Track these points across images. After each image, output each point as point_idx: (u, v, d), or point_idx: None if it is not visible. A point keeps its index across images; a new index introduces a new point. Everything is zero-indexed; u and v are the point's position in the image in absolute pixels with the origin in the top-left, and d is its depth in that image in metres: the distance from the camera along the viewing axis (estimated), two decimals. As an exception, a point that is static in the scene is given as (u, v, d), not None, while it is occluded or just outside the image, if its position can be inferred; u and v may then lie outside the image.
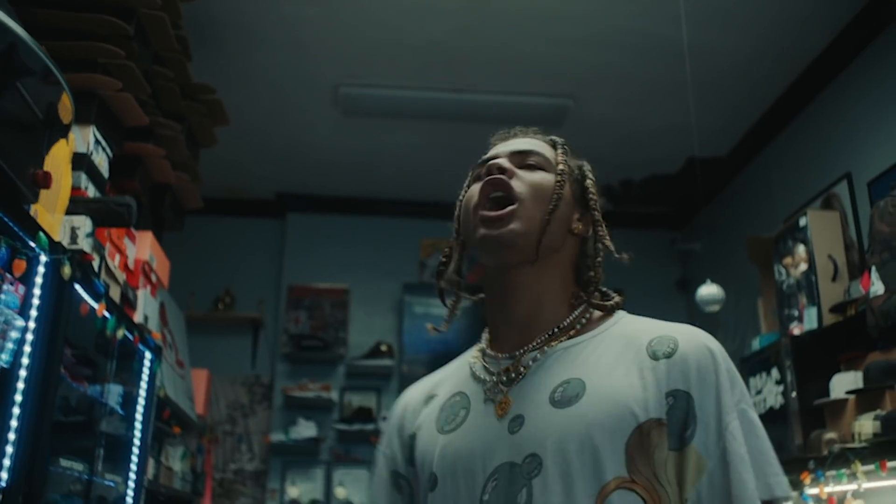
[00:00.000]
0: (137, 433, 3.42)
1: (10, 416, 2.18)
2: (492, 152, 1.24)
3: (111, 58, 2.63)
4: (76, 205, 2.46)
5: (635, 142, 4.90)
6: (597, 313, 1.17)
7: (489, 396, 1.11)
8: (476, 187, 1.19)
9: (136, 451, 3.40)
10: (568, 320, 1.13)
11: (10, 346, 2.22)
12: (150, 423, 3.51)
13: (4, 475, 2.14)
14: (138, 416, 3.44)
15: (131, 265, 3.18)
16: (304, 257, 5.69)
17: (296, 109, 4.70)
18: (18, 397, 2.21)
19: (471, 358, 1.22)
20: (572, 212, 1.17)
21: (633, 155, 5.07)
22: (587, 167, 1.24)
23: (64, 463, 2.58)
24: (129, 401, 3.42)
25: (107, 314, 2.81)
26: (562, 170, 1.17)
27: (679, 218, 5.87)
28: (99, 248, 2.70)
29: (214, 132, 3.76)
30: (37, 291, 2.30)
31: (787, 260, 3.60)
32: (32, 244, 2.18)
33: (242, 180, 5.59)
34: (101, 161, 2.76)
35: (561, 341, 1.11)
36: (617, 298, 1.18)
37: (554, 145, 1.23)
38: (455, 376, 1.24)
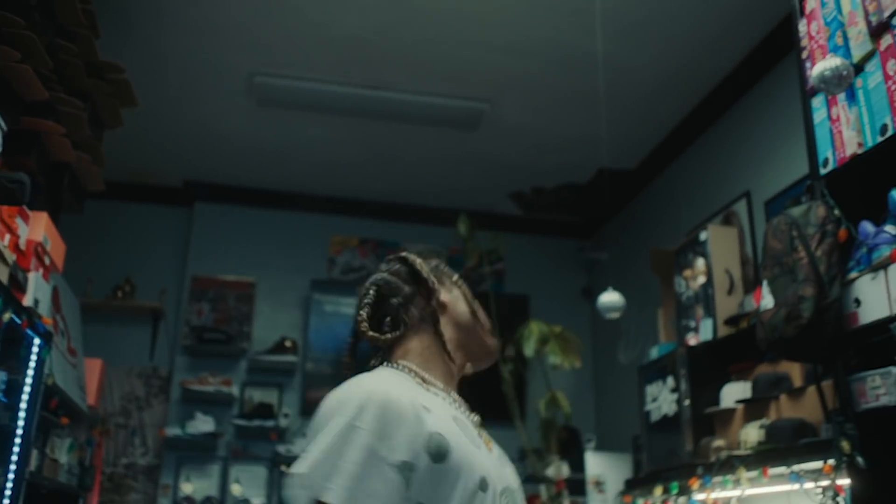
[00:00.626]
0: (21, 422, 3.27)
1: None
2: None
3: (9, 26, 2.50)
4: (-38, 178, 2.34)
5: (549, 149, 4.97)
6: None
7: (477, 433, 1.43)
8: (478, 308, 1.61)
9: (17, 441, 3.25)
10: None
11: None
12: (36, 413, 3.34)
13: None
14: (22, 405, 3.29)
15: (23, 246, 3.03)
16: (211, 248, 5.56)
17: (208, 96, 4.59)
18: None
19: (432, 388, 1.45)
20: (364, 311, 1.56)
21: (546, 162, 5.16)
22: (416, 264, 1.65)
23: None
24: (13, 388, 3.26)
25: (-10, 295, 2.67)
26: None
27: (587, 227, 5.99)
28: (-15, 226, 2.57)
29: (121, 113, 3.62)
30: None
31: (687, 272, 3.72)
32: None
33: (149, 165, 5.42)
34: (-6, 135, 2.62)
35: None
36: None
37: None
38: (432, 399, 1.39)
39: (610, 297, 3.81)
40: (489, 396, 4.75)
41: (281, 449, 5.03)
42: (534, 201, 5.66)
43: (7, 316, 2.81)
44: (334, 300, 5.57)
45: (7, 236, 2.78)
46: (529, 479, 4.69)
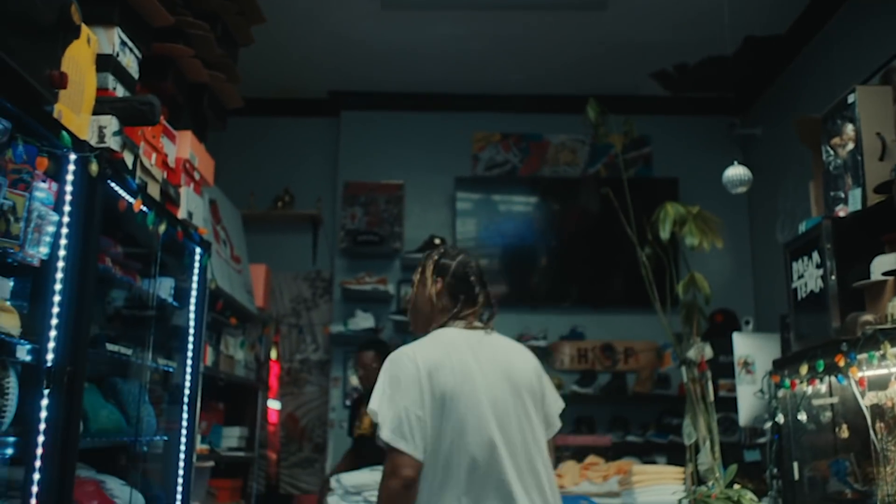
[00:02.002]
0: (191, 322, 3.65)
1: (52, 303, 2.37)
2: None
3: (129, -43, 2.68)
4: (102, 105, 2.57)
5: (687, 22, 4.69)
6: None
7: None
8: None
9: (190, 338, 3.64)
10: None
11: (46, 239, 2.39)
12: (204, 313, 3.72)
13: (50, 356, 2.34)
14: (191, 307, 3.66)
15: (171, 163, 3.31)
16: (359, 154, 5.77)
17: (336, 4, 4.68)
18: (58, 286, 2.39)
19: None
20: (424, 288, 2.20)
21: (687, 36, 4.87)
22: (429, 261, 2.26)
23: (113, 347, 2.78)
24: (181, 293, 3.63)
25: (145, 209, 2.96)
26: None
27: (738, 102, 5.64)
28: (132, 146, 2.82)
29: (251, 31, 3.80)
30: (68, 188, 2.45)
31: (835, 140, 3.45)
32: (56, 142, 2.31)
33: (295, 80, 5.65)
34: (129, 62, 2.84)
35: None
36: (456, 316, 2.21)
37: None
38: None
39: (735, 172, 3.61)
40: (637, 282, 4.71)
41: (437, 341, 5.27)
42: (678, 79, 5.39)
43: (162, 227, 3.12)
44: (480, 196, 5.65)
45: (154, 155, 3.05)
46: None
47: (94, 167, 2.43)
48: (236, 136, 5.93)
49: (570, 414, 5.25)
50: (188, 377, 3.56)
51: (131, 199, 2.81)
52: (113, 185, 2.70)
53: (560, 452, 4.93)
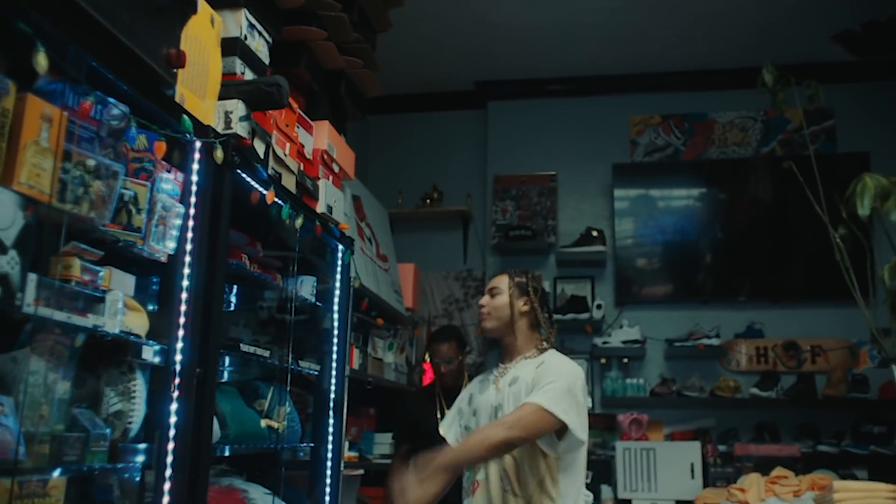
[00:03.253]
0: (335, 322, 3.47)
1: (179, 301, 2.22)
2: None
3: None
4: (228, 89, 2.42)
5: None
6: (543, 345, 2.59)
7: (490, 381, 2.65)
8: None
9: (335, 340, 3.46)
10: (528, 352, 2.58)
11: (173, 233, 2.24)
12: (348, 313, 3.54)
13: (178, 357, 2.19)
14: (335, 307, 3.48)
15: (308, 154, 3.15)
16: (509, 146, 5.48)
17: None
18: (185, 282, 2.24)
19: None
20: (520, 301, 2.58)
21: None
22: (526, 276, 2.65)
23: (248, 349, 2.63)
24: (323, 292, 3.47)
25: (279, 202, 2.79)
26: (510, 291, 2.60)
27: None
28: (263, 134, 2.66)
29: (388, 15, 3.60)
30: (194, 178, 2.30)
31: None
32: (178, 127, 2.16)
33: (439, 71, 5.44)
34: (259, 46, 2.69)
35: (521, 360, 2.57)
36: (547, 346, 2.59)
37: (509, 275, 2.66)
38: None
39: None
40: (823, 272, 4.14)
41: (597, 341, 4.89)
42: (866, 40, 4.73)
43: (300, 221, 2.94)
44: (640, 183, 5.21)
45: (288, 145, 2.88)
46: (886, 363, 4.03)
47: (219, 154, 2.27)
48: (382, 135, 5.83)
49: (749, 420, 4.73)
50: (333, 381, 3.38)
51: (263, 191, 2.65)
52: (243, 175, 2.55)
53: (741, 462, 4.43)
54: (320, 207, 3.17)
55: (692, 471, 4.39)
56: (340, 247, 3.47)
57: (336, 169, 3.39)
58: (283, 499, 2.98)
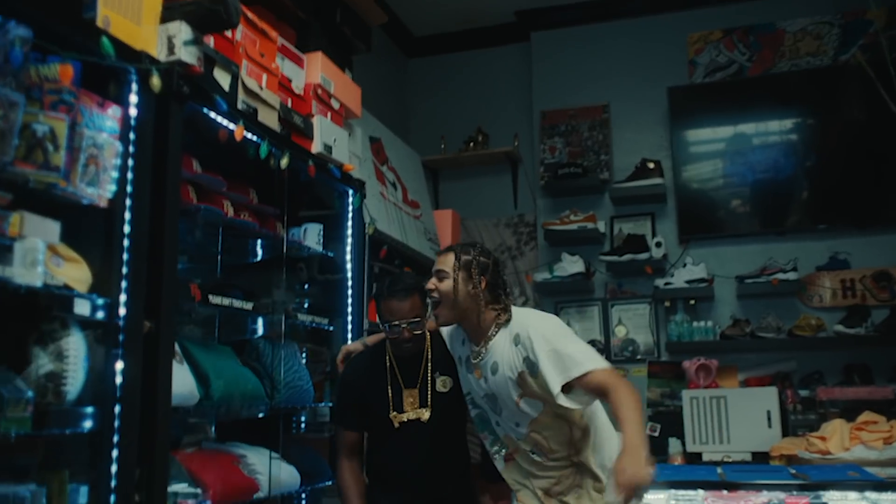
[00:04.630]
0: (348, 273, 3.21)
1: (121, 249, 1.99)
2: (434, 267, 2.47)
3: None
4: (171, 12, 2.15)
5: None
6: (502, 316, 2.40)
7: (473, 360, 2.45)
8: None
9: (349, 291, 3.20)
10: (490, 331, 2.39)
11: (112, 175, 2.01)
12: (363, 262, 3.27)
13: (122, 311, 1.97)
14: (347, 256, 3.22)
15: (298, 90, 2.87)
16: (555, 78, 5.06)
17: None
18: (126, 228, 2.00)
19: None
20: (468, 284, 2.37)
21: None
22: (471, 254, 2.41)
23: (218, 300, 2.38)
24: (333, 239, 3.20)
25: (254, 138, 2.53)
26: (456, 273, 2.38)
27: None
28: (227, 64, 2.40)
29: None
30: (132, 112, 2.05)
31: None
32: (98, 53, 1.91)
33: (478, 6, 5.05)
34: (216, -34, 2.40)
35: (489, 340, 2.39)
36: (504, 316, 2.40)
37: (455, 253, 2.41)
38: (454, 343, 2.60)
39: None
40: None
41: (659, 283, 4.47)
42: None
43: (285, 161, 2.68)
44: (701, 107, 4.71)
45: (264, 77, 2.61)
46: None
47: (155, 82, 2.01)
48: (422, 80, 5.50)
49: (835, 361, 4.23)
50: (350, 336, 3.13)
51: (231, 126, 2.39)
52: (203, 110, 2.29)
53: (825, 409, 3.96)
54: (315, 147, 2.90)
55: (769, 419, 3.94)
56: (351, 191, 3.20)
57: (336, 105, 3.10)
58: (293, 462, 2.76)
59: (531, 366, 2.26)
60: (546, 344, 2.24)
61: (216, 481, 2.34)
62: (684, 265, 4.47)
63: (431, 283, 2.38)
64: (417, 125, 5.32)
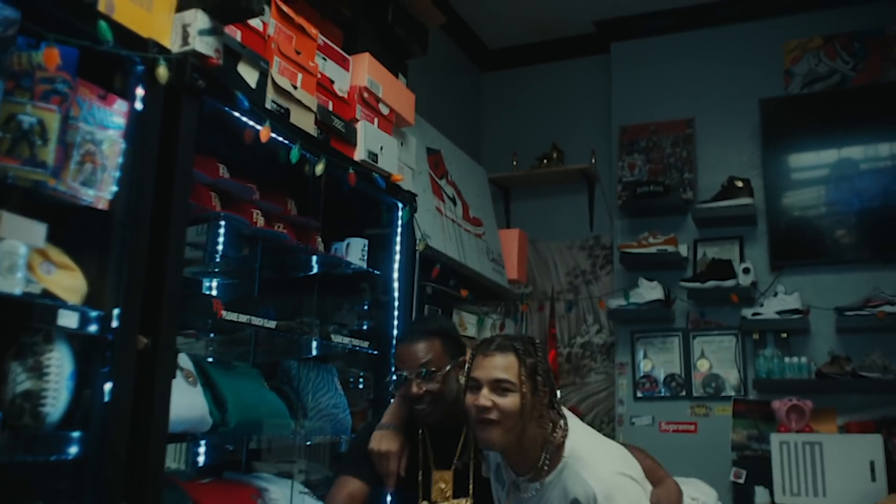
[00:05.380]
0: (395, 292, 2.96)
1: (119, 256, 1.80)
2: (477, 373, 1.84)
3: None
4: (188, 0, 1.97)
5: None
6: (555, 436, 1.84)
7: (511, 494, 1.92)
8: (471, 402, 1.83)
9: (395, 312, 2.95)
10: (540, 462, 1.82)
11: (112, 174, 1.82)
12: (412, 282, 3.02)
13: (115, 325, 1.77)
14: (394, 274, 2.97)
15: (341, 92, 2.66)
16: (636, 91, 4.73)
17: None
18: (125, 233, 1.81)
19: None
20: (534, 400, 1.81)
21: None
22: (537, 356, 1.84)
23: (232, 316, 2.17)
24: (380, 256, 2.97)
25: (285, 141, 2.32)
26: (524, 388, 1.80)
27: None
28: (253, 58, 2.20)
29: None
30: (139, 107, 1.87)
31: None
32: (97, 38, 1.73)
33: (555, 16, 4.78)
34: (246, -46, 2.22)
35: (539, 478, 1.83)
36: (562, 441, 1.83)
37: (518, 357, 1.82)
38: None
39: None
40: None
41: (747, 312, 4.05)
42: None
43: (320, 168, 2.46)
44: (798, 120, 4.29)
45: (300, 76, 2.41)
46: None
47: (161, 72, 1.82)
48: (495, 94, 5.26)
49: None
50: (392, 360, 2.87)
51: (257, 127, 2.19)
52: (226, 109, 2.10)
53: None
54: (359, 154, 2.68)
55: (872, 471, 3.49)
56: (400, 204, 2.96)
57: (385, 111, 2.88)
58: (318, 498, 2.51)
59: None
60: None
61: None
62: (775, 294, 4.04)
63: (487, 397, 1.78)
64: (488, 141, 5.07)
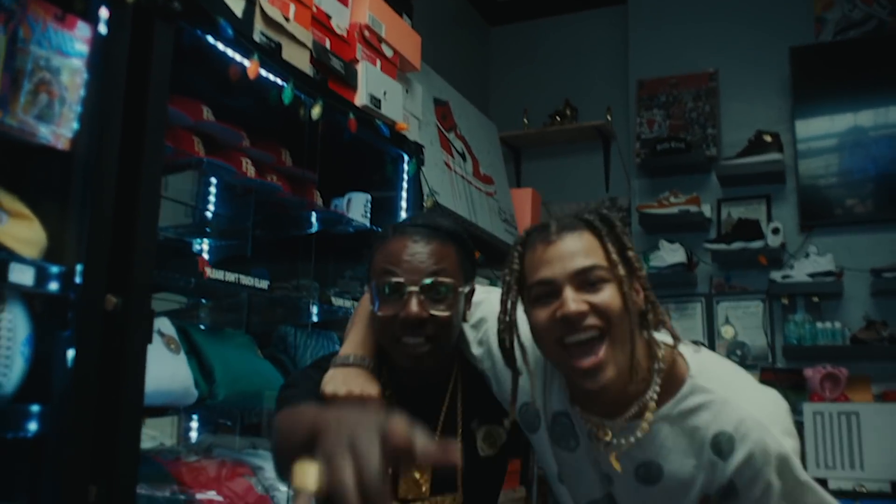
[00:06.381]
0: (400, 253, 2.71)
1: (78, 204, 1.56)
2: (547, 272, 1.20)
3: None
4: None
5: None
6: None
7: (592, 447, 1.28)
8: (548, 318, 1.20)
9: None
10: (647, 396, 1.21)
11: (75, 109, 1.58)
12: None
13: (79, 282, 1.53)
14: (399, 231, 2.72)
15: (339, 29, 2.40)
16: (655, 42, 4.45)
17: None
18: (86, 177, 1.57)
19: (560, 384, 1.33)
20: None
21: None
22: (621, 229, 1.24)
23: (217, 275, 1.93)
24: (385, 211, 2.72)
25: (276, 80, 2.07)
26: (620, 271, 1.18)
27: None
28: (239, -16, 1.94)
29: None
30: (103, 31, 1.61)
31: None
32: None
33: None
34: None
35: (643, 415, 1.21)
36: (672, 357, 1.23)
37: (598, 233, 1.22)
38: (549, 384, 1.35)
39: None
40: None
41: (776, 275, 3.80)
42: None
43: (317, 111, 2.20)
44: (831, 70, 4.01)
45: (292, 7, 2.15)
46: None
47: (127, -9, 1.57)
48: (504, 49, 4.99)
49: None
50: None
51: (245, 62, 1.93)
52: (206, 37, 1.84)
53: None
54: (360, 98, 2.42)
55: (913, 442, 3.26)
56: (405, 156, 2.70)
57: (388, 53, 2.61)
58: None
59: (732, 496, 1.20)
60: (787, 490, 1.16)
61: (215, 497, 1.89)
62: (807, 255, 3.79)
63: (573, 302, 1.16)
64: (498, 99, 4.80)
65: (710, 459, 1.19)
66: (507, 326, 1.27)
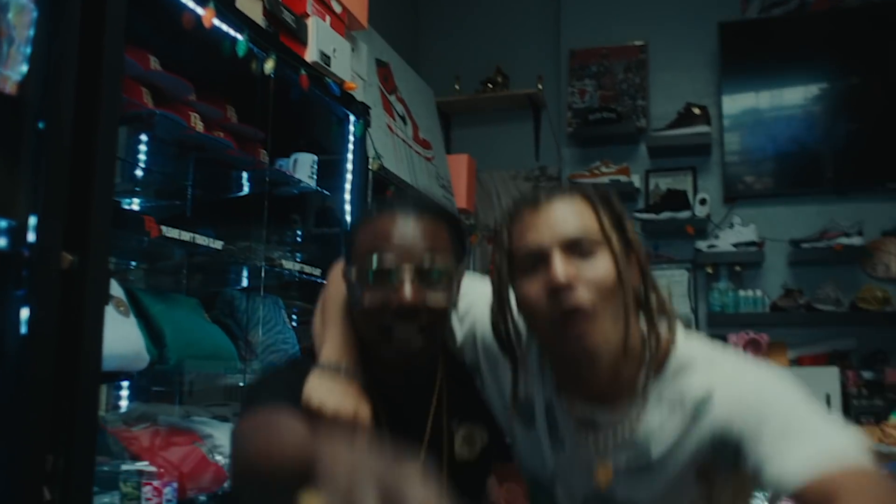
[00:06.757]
0: (347, 215, 2.66)
1: (28, 153, 1.44)
2: (536, 240, 1.11)
3: None
4: None
5: None
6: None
7: (579, 441, 1.19)
8: (536, 290, 1.11)
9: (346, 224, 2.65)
10: (644, 373, 1.14)
11: (23, 50, 1.46)
12: (365, 203, 2.72)
13: (31, 238, 1.42)
14: (345, 195, 2.67)
15: (291, -17, 2.31)
16: (587, 14, 4.48)
17: None
18: (39, 124, 1.45)
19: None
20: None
21: None
22: (616, 201, 1.17)
23: (172, 233, 1.83)
24: (329, 173, 2.65)
25: (228, 31, 1.97)
26: (614, 241, 1.11)
27: None
28: (193, -73, 1.83)
29: None
30: (55, -34, 1.49)
31: None
32: None
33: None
34: None
35: (632, 399, 1.15)
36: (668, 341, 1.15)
37: (592, 204, 1.14)
38: (541, 372, 1.26)
39: None
40: None
41: (701, 245, 3.91)
42: None
43: (270, 65, 2.11)
44: (756, 47, 4.13)
45: (246, -44, 2.04)
46: None
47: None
48: (434, 14, 4.91)
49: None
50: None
51: (199, 10, 1.83)
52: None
53: (894, 393, 3.45)
54: (310, 55, 2.34)
55: (828, 403, 3.43)
56: (352, 116, 2.63)
57: (337, 9, 2.53)
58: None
59: (729, 450, 1.09)
60: (777, 428, 1.04)
61: (167, 467, 1.81)
62: (731, 226, 3.91)
63: (559, 268, 1.08)
64: (429, 63, 4.73)
65: (692, 423, 1.12)
66: (500, 309, 1.19)
